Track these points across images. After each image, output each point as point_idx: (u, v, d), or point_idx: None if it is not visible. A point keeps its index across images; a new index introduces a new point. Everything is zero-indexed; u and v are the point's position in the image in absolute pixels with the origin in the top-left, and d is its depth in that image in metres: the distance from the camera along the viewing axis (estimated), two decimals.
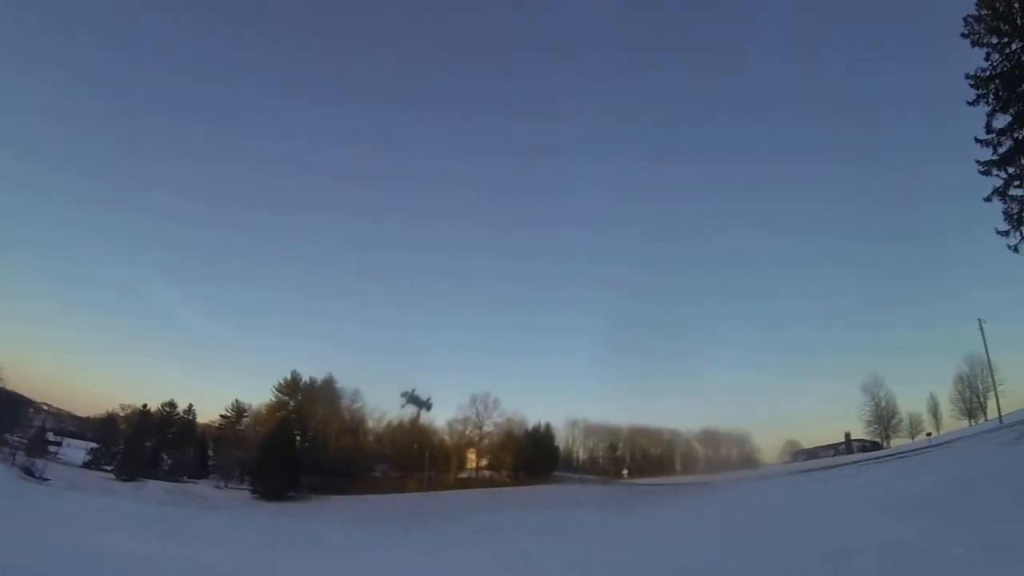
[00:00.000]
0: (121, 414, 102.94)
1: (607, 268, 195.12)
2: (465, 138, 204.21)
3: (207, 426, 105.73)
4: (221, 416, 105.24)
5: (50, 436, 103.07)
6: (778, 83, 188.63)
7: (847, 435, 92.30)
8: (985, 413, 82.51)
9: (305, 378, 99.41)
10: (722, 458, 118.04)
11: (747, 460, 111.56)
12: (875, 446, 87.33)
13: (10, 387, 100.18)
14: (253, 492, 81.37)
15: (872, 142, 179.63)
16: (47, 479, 71.11)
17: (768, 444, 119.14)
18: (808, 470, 72.06)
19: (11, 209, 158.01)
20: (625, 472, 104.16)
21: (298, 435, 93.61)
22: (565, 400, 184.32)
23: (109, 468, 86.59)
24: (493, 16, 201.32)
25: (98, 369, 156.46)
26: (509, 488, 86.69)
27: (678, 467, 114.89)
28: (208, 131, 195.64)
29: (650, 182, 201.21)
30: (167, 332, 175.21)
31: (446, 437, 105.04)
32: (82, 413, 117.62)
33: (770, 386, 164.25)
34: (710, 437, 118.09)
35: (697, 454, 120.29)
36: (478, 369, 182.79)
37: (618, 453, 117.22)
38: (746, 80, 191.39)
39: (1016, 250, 37.25)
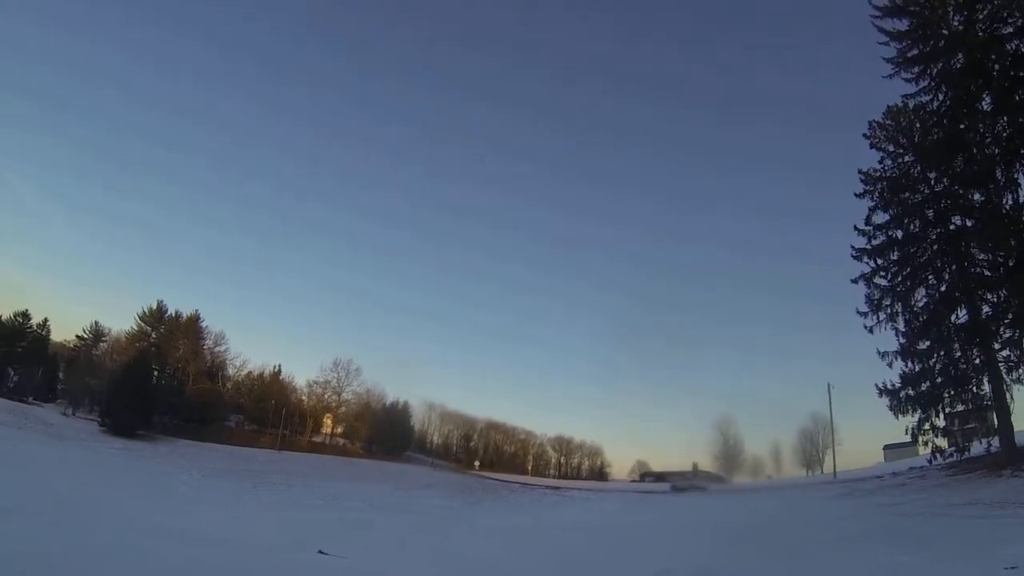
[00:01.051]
0: None
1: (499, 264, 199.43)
2: None
3: (61, 345, 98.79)
4: (77, 337, 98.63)
5: None
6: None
7: (694, 465, 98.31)
8: (822, 467, 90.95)
9: (171, 311, 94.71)
10: (573, 466, 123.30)
11: (597, 472, 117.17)
12: (719, 479, 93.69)
13: None
14: (101, 425, 76.15)
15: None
16: None
17: (619, 461, 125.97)
18: (653, 491, 76.90)
19: None
20: (477, 464, 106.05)
21: (156, 370, 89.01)
22: (425, 382, 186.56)
23: None
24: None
25: None
26: (361, 460, 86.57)
27: (529, 468, 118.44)
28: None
29: None
30: (29, 231, 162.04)
31: (304, 398, 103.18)
32: None
33: (630, 408, 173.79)
34: (564, 444, 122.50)
35: (550, 458, 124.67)
36: (343, 335, 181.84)
37: (472, 444, 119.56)
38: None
39: (871, 331, 42.03)
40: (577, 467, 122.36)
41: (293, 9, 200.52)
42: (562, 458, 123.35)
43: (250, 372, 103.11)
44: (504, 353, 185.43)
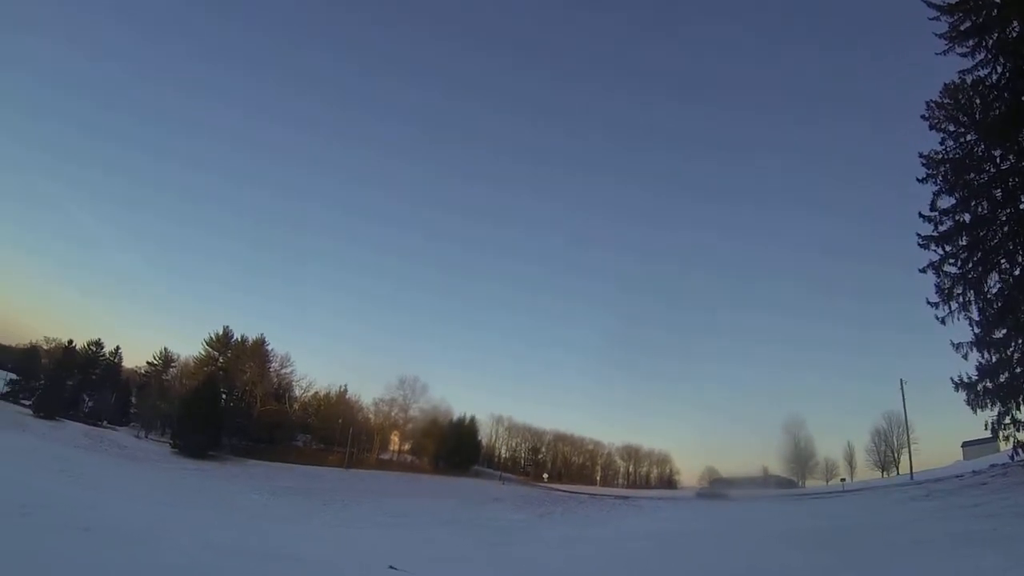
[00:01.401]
0: (45, 347, 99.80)
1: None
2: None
3: (132, 371, 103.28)
4: (148, 363, 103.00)
5: None
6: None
7: (765, 469, 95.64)
8: (897, 468, 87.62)
9: (237, 335, 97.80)
10: (642, 475, 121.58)
11: (666, 480, 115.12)
12: (790, 484, 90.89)
13: None
14: (173, 446, 79.75)
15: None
16: None
17: (688, 468, 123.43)
18: (724, 497, 75.04)
19: None
20: (545, 476, 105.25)
21: (224, 393, 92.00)
22: (492, 396, 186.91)
23: (27, 402, 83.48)
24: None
25: (24, 295, 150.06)
26: (428, 476, 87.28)
27: (598, 478, 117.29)
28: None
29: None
30: (98, 265, 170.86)
31: (371, 416, 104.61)
32: (3, 341, 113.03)
33: (697, 413, 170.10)
34: (632, 453, 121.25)
35: (618, 468, 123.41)
36: (410, 353, 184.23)
37: (540, 456, 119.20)
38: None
39: (943, 322, 40.01)
40: (646, 476, 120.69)
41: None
42: (630, 467, 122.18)
43: (316, 393, 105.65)
44: (571, 364, 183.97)
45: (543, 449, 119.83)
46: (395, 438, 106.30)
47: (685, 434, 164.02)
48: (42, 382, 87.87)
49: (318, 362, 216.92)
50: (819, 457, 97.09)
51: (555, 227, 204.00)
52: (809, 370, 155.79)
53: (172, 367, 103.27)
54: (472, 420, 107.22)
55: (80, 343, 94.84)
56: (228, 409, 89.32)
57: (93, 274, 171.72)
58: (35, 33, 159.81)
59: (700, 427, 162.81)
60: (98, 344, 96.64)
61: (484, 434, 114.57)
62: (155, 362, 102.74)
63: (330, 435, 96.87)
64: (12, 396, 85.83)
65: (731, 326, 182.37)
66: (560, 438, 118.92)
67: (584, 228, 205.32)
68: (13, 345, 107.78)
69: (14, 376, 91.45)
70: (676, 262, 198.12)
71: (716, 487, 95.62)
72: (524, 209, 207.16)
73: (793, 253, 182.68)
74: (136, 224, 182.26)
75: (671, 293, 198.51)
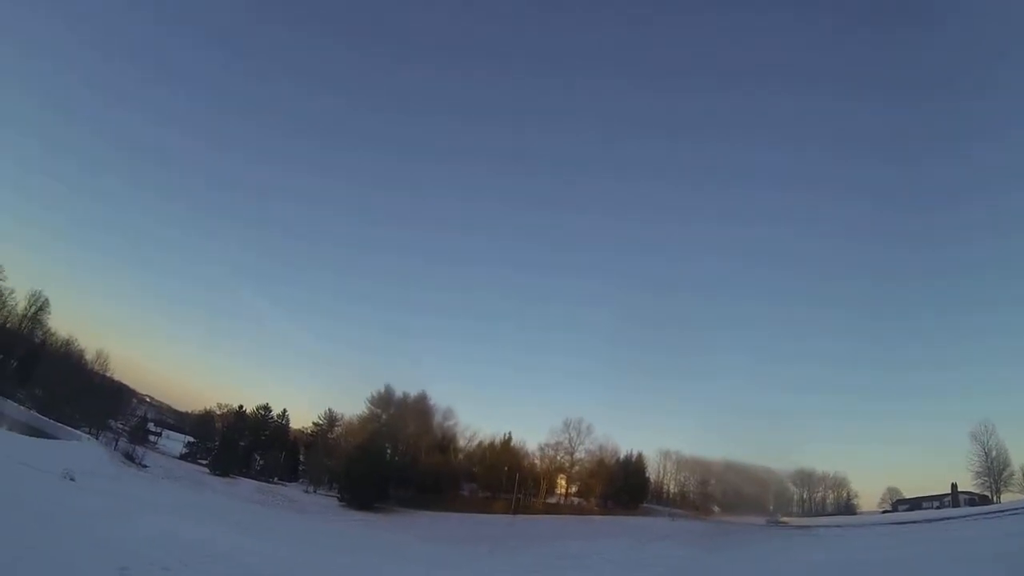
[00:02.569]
0: (218, 412, 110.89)
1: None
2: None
3: (299, 431, 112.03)
4: (314, 424, 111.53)
5: (151, 426, 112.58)
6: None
7: (953, 486, 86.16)
8: None
9: (398, 393, 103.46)
10: (817, 501, 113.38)
11: (844, 506, 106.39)
12: (984, 500, 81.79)
13: (115, 377, 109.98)
14: (341, 499, 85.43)
15: None
16: (146, 466, 77.52)
17: (867, 490, 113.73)
18: (911, 521, 68.97)
19: (108, 198, 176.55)
20: (716, 508, 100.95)
21: (388, 448, 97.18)
22: (658, 432, 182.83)
23: (204, 462, 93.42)
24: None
25: (198, 367, 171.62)
26: (597, 516, 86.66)
27: (771, 507, 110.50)
28: (306, 142, 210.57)
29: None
30: (266, 338, 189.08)
31: (537, 461, 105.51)
32: (181, 408, 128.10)
33: (871, 430, 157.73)
34: (805, 478, 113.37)
35: (791, 495, 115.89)
36: (573, 395, 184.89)
37: (709, 488, 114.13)
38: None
39: None
40: (821, 501, 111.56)
41: None
42: (804, 493, 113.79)
43: (481, 442, 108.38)
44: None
45: (712, 480, 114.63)
46: (562, 481, 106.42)
47: (859, 453, 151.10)
48: (217, 444, 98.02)
49: (481, 412, 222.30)
50: (1015, 466, 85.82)
51: None
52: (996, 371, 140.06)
53: (337, 426, 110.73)
54: (639, 457, 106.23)
55: (250, 408, 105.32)
56: (393, 463, 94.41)
57: (260, 346, 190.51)
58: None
59: (878, 444, 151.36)
60: (266, 408, 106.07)
61: (652, 470, 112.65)
62: (320, 422, 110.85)
63: (496, 483, 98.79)
64: (191, 457, 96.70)
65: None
66: (729, 467, 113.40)
67: None
68: (189, 411, 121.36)
69: (192, 439, 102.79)
70: None
71: (901, 508, 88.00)
72: None
73: None
74: (294, 300, 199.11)
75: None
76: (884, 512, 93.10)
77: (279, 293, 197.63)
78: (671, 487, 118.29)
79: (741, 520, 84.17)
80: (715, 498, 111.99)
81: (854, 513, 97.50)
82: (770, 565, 47.13)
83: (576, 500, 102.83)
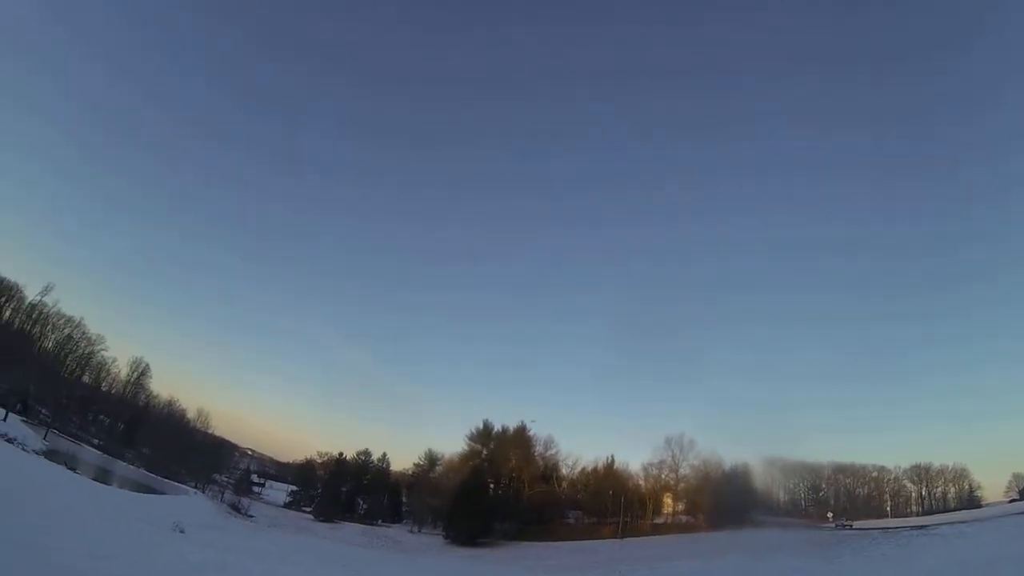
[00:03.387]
0: (319, 461, 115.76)
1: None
2: None
3: (400, 473, 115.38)
4: (414, 465, 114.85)
5: (254, 478, 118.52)
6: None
7: None
8: None
9: (497, 427, 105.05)
10: (937, 496, 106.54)
11: (966, 499, 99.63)
12: None
13: (217, 432, 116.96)
14: (446, 537, 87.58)
15: None
16: (252, 516, 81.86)
17: (990, 481, 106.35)
18: None
19: (200, 265, 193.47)
20: (829, 515, 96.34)
21: (491, 482, 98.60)
22: (762, 438, 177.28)
23: (308, 509, 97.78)
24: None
25: (297, 419, 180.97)
26: (705, 534, 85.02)
27: (888, 508, 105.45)
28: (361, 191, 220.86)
29: None
30: (360, 387, 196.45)
31: (641, 482, 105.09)
32: (282, 458, 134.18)
33: (990, 409, 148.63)
34: (922, 473, 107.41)
35: (908, 492, 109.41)
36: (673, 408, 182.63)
37: (821, 494, 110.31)
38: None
39: None
40: (942, 496, 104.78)
41: None
42: (922, 489, 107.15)
43: (584, 468, 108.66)
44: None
45: (823, 485, 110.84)
46: (668, 500, 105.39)
47: (984, 441, 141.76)
48: (319, 491, 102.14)
49: (582, 438, 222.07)
50: None
51: None
52: None
53: (438, 465, 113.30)
54: (745, 468, 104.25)
55: (350, 454, 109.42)
56: (496, 497, 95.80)
57: (353, 394, 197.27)
58: None
59: (1001, 427, 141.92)
60: (366, 454, 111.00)
61: (759, 480, 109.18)
62: (421, 463, 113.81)
63: (601, 507, 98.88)
64: (294, 505, 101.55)
65: None
66: (840, 470, 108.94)
67: None
68: (291, 462, 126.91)
69: (294, 488, 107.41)
70: None
71: None
72: None
73: None
74: (393, 352, 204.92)
75: None
76: (1012, 501, 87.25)
77: (368, 339, 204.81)
78: (780, 496, 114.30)
79: (857, 524, 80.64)
80: (827, 503, 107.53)
81: (978, 506, 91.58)
82: (889, 569, 45.61)
83: (684, 518, 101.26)
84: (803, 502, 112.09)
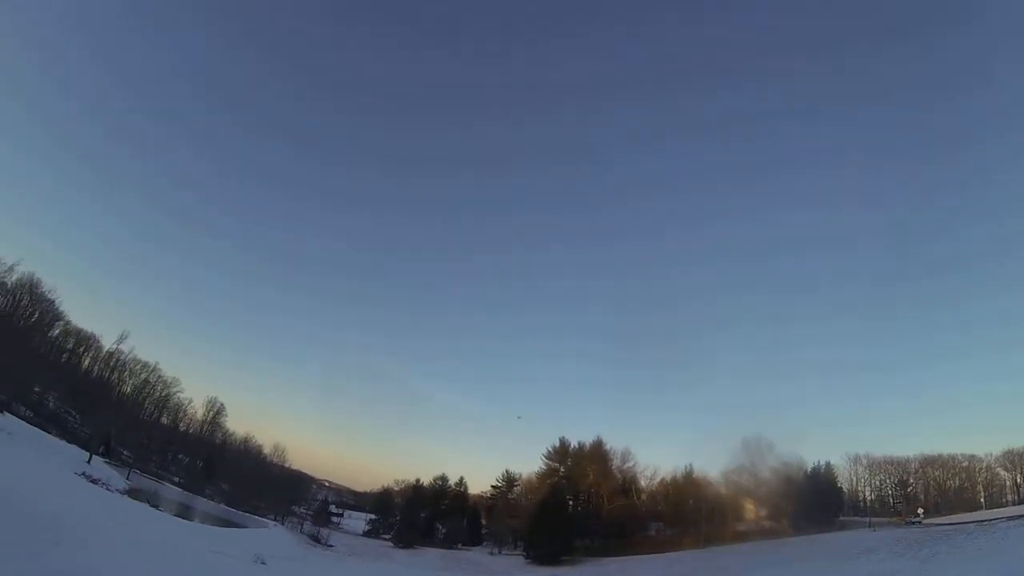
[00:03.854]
0: (396, 488, 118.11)
1: None
2: None
3: (478, 496, 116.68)
4: (492, 487, 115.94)
5: (332, 508, 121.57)
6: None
7: None
8: None
9: (573, 443, 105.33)
10: None
11: None
12: None
13: (295, 467, 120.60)
14: (527, 557, 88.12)
15: None
16: (331, 545, 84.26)
17: None
18: None
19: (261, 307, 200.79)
20: (920, 511, 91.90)
21: (570, 499, 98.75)
22: (844, 435, 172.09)
23: (387, 537, 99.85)
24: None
25: (372, 449, 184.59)
26: (790, 539, 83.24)
27: (982, 499, 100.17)
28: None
29: None
30: (433, 415, 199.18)
31: (721, 489, 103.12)
32: (359, 488, 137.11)
33: None
34: (1016, 459, 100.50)
35: (1003, 481, 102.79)
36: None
37: (909, 489, 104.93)
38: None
39: None
40: None
41: None
42: (1017, 477, 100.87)
43: (663, 479, 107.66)
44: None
45: (910, 479, 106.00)
46: (750, 506, 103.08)
47: None
48: (397, 518, 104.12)
49: (658, 449, 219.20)
50: None
51: None
52: None
53: (515, 486, 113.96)
54: (827, 467, 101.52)
55: (426, 480, 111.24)
56: (575, 513, 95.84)
57: (427, 421, 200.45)
58: None
59: None
60: (443, 479, 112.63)
61: (844, 479, 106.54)
62: (499, 484, 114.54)
63: (682, 518, 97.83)
64: (373, 533, 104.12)
65: None
66: (928, 462, 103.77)
67: None
68: (368, 491, 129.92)
69: (373, 516, 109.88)
70: None
71: None
72: None
73: None
74: (458, 376, 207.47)
75: None
76: None
77: (438, 365, 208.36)
78: (867, 494, 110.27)
79: (949, 520, 77.42)
80: (917, 499, 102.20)
81: None
82: (989, 566, 44.28)
83: (767, 523, 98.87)
84: (891, 499, 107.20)
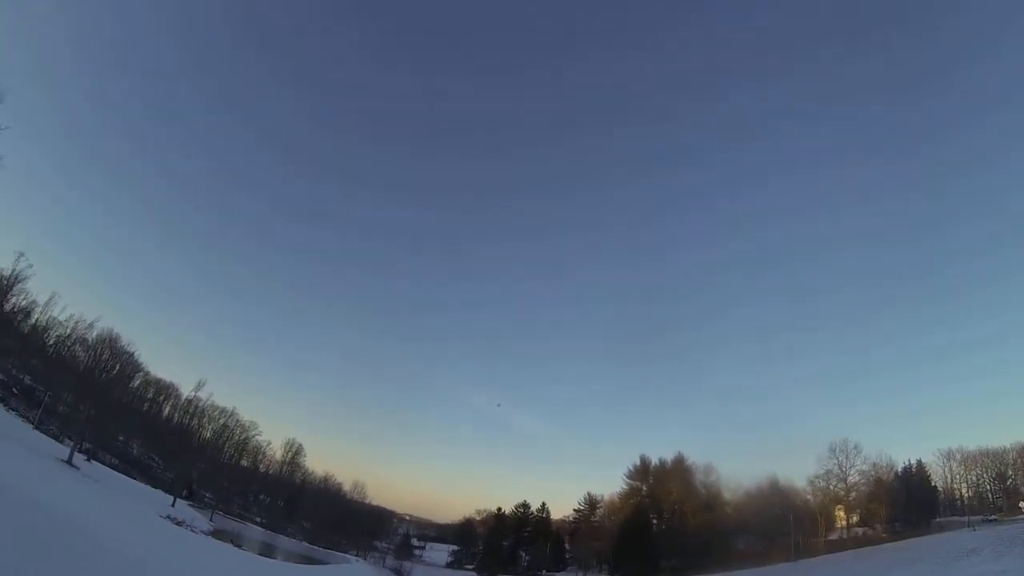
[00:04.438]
0: (477, 518, 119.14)
1: None
2: None
3: (560, 521, 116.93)
4: (574, 511, 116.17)
5: (414, 541, 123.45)
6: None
7: None
8: None
9: (654, 461, 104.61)
10: None
11: None
12: None
13: (376, 503, 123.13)
14: None
15: None
16: None
17: None
18: None
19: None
20: (1022, 504, 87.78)
21: (654, 518, 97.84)
22: (934, 430, 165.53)
23: (471, 567, 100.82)
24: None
25: (452, 481, 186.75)
26: (885, 545, 79.99)
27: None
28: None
29: None
30: (510, 443, 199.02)
31: (809, 496, 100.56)
32: (440, 520, 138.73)
33: None
34: None
35: None
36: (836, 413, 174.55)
37: (1008, 483, 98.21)
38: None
39: None
40: None
41: None
42: None
43: (747, 491, 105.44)
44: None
45: (1009, 472, 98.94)
46: (840, 513, 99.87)
47: None
48: (480, 548, 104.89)
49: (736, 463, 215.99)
50: None
51: None
52: None
53: (598, 508, 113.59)
54: (919, 465, 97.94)
55: (508, 508, 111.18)
56: (660, 532, 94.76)
57: (505, 449, 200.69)
58: None
59: None
60: (525, 506, 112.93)
61: (938, 477, 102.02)
62: (581, 507, 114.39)
63: (770, 529, 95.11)
64: (456, 564, 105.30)
65: None
66: None
67: None
68: (449, 522, 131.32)
69: (455, 547, 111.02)
70: None
71: None
72: None
73: None
74: (532, 399, 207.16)
75: None
76: None
77: (510, 392, 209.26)
78: (964, 491, 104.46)
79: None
80: (1019, 493, 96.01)
81: None
82: None
83: (860, 530, 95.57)
84: (990, 494, 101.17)
